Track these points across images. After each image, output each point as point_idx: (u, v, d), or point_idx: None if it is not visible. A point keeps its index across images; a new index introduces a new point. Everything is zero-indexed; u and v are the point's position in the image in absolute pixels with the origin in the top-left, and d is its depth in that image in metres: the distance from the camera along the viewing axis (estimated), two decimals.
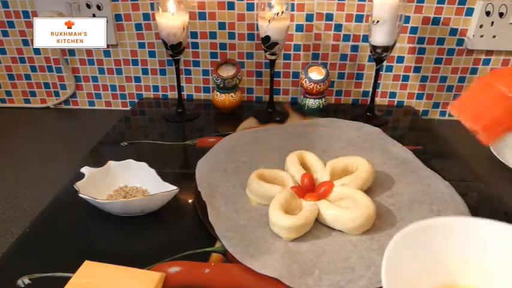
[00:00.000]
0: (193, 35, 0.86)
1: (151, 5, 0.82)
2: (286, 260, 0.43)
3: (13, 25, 0.86)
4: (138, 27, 0.85)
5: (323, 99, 0.82)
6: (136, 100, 0.93)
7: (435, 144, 0.75)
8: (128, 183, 0.57)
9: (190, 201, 0.55)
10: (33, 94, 0.94)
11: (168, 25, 0.70)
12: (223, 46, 0.87)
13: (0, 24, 0.85)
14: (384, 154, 0.65)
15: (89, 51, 0.88)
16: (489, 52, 0.84)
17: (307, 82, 0.80)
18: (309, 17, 0.83)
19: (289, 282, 0.41)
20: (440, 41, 0.83)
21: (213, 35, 0.86)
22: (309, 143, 0.69)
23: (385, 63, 0.85)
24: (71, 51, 0.88)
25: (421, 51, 0.85)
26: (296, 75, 0.89)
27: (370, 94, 0.82)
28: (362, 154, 0.60)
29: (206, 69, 0.90)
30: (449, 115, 0.92)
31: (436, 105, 0.91)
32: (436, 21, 0.82)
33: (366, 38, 0.84)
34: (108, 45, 0.86)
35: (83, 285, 0.40)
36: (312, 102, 0.82)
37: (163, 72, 0.91)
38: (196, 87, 0.92)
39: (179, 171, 0.64)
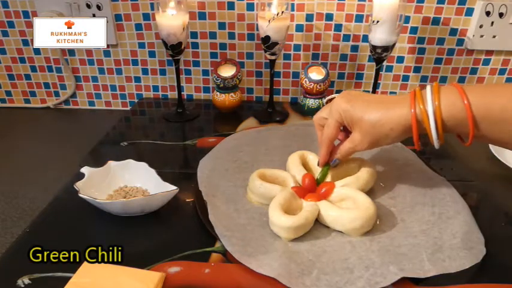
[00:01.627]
0: (193, 35, 0.86)
1: (151, 5, 0.82)
2: (285, 259, 0.43)
3: (13, 25, 0.86)
4: (138, 27, 0.85)
5: (323, 99, 0.82)
6: (136, 100, 0.93)
7: None
8: (128, 183, 0.57)
9: (190, 201, 0.55)
10: (33, 94, 0.94)
11: (168, 25, 0.70)
12: (223, 46, 0.87)
13: (0, 24, 0.86)
14: (386, 155, 0.65)
15: (89, 51, 0.88)
16: (489, 52, 0.84)
17: (307, 82, 0.80)
18: (309, 17, 0.83)
19: (286, 282, 0.41)
20: (440, 41, 0.83)
21: (213, 35, 0.86)
22: (311, 143, 0.68)
23: (385, 63, 0.85)
24: (71, 51, 0.88)
25: (421, 51, 0.85)
26: (296, 75, 0.89)
27: None
28: (364, 155, 0.60)
29: (206, 69, 0.90)
30: None
31: None
32: (436, 21, 0.82)
33: (366, 38, 0.84)
34: (108, 45, 0.86)
35: (83, 285, 0.40)
36: (312, 102, 0.82)
37: (163, 72, 0.91)
38: (196, 87, 0.92)
39: (179, 171, 0.64)
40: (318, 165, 0.55)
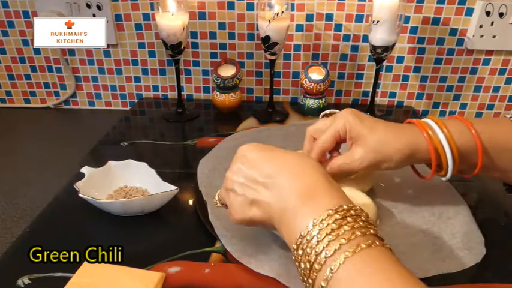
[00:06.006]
0: (193, 35, 0.86)
1: (151, 5, 0.82)
2: (285, 259, 0.43)
3: (13, 25, 0.86)
4: (138, 27, 0.85)
5: (323, 99, 0.82)
6: (136, 100, 0.93)
7: None
8: (128, 183, 0.57)
9: (190, 201, 0.55)
10: (33, 94, 0.94)
11: (168, 25, 0.70)
12: (223, 46, 0.87)
13: (0, 24, 0.86)
14: None
15: (89, 51, 0.88)
16: (489, 52, 0.84)
17: (307, 82, 0.80)
18: (309, 17, 0.83)
19: (286, 282, 0.41)
20: (440, 41, 0.83)
21: (213, 35, 0.86)
22: None
23: (385, 63, 0.85)
24: (71, 51, 0.88)
25: (421, 51, 0.85)
26: (296, 75, 0.89)
27: (370, 94, 0.82)
28: None
29: (206, 69, 0.90)
30: (449, 115, 0.92)
31: (436, 105, 0.91)
32: (436, 21, 0.82)
33: (366, 38, 0.84)
34: (108, 45, 0.86)
35: (83, 285, 0.40)
36: (312, 102, 0.82)
37: (163, 72, 0.91)
38: (196, 87, 0.92)
39: (179, 171, 0.64)
40: None
